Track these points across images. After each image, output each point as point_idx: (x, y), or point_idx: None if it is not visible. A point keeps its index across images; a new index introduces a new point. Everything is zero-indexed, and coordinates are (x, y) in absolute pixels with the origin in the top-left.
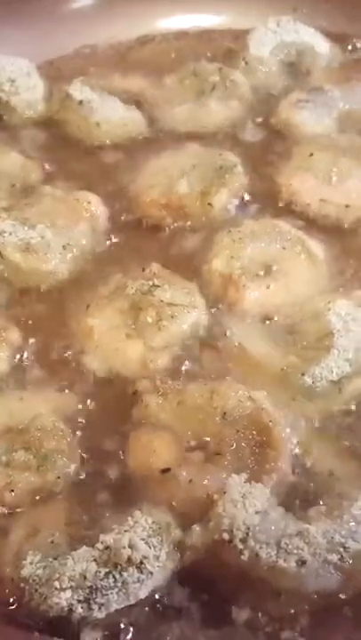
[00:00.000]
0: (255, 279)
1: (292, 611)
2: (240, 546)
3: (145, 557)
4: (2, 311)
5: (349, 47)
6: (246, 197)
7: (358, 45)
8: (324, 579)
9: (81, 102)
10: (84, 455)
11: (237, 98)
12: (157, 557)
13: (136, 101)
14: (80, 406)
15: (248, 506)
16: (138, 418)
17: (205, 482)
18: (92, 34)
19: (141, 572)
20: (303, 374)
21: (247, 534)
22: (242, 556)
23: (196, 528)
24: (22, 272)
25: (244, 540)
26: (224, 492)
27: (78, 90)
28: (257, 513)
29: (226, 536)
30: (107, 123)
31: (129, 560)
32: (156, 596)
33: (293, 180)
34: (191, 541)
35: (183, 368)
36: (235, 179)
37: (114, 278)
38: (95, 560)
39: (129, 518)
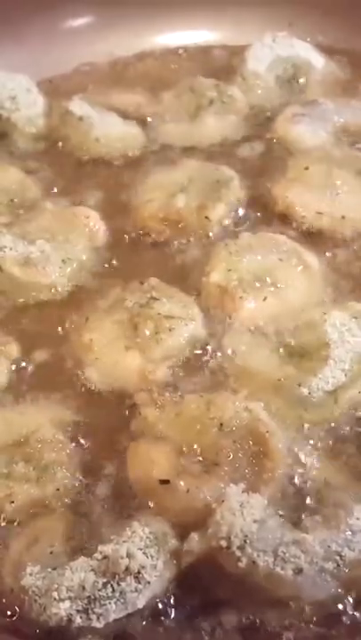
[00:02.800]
0: (252, 291)
1: (290, 618)
2: (238, 553)
3: (142, 567)
4: (1, 325)
5: (345, 62)
6: (243, 211)
7: (353, 59)
8: (320, 587)
9: (81, 118)
10: (83, 466)
11: (234, 113)
12: (155, 567)
13: (134, 117)
14: (79, 418)
15: (246, 514)
16: (136, 429)
17: (203, 492)
18: (91, 51)
19: (139, 582)
20: (300, 385)
21: (245, 542)
22: (239, 564)
23: (195, 535)
24: (22, 286)
25: (241, 548)
26: (222, 501)
27: (78, 106)
28: (255, 521)
29: (224, 543)
30: (106, 138)
31: (127, 570)
32: (154, 605)
33: (289, 192)
34: (189, 548)
35: (181, 379)
36: (231, 192)
37: (112, 292)
38: (93, 570)
39: (127, 529)
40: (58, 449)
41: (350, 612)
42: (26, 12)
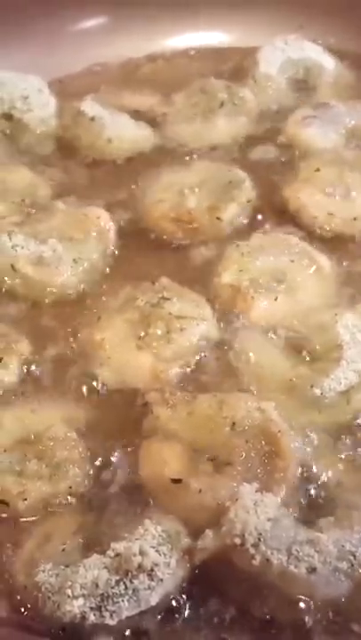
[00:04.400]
0: (264, 291)
1: (303, 617)
2: (252, 550)
3: (155, 564)
4: (13, 323)
5: (356, 64)
6: (254, 211)
7: None
8: (334, 586)
9: (93, 119)
10: (95, 464)
11: (245, 115)
12: (168, 565)
13: (145, 118)
14: (92, 416)
15: (260, 513)
16: (149, 428)
17: (216, 491)
18: (102, 52)
19: (152, 580)
20: (312, 385)
21: (259, 539)
22: (253, 561)
23: (209, 532)
24: (34, 285)
25: (255, 545)
26: (236, 500)
27: (90, 106)
28: (269, 520)
29: (238, 540)
30: (118, 139)
31: (140, 567)
32: (167, 603)
33: (301, 194)
34: (203, 545)
35: (193, 379)
36: (243, 193)
37: (124, 291)
38: (106, 567)
39: (139, 527)
40: (70, 447)
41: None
42: (37, 13)
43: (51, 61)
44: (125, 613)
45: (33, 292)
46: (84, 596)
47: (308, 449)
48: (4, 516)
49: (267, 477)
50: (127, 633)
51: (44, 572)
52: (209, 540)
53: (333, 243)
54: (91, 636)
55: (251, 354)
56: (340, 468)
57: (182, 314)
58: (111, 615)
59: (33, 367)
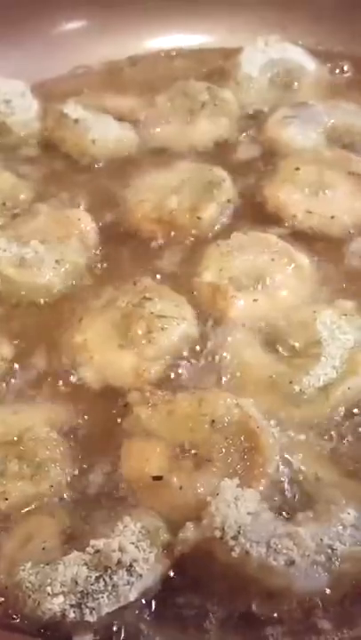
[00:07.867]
0: (243, 290)
1: (282, 610)
2: (231, 543)
3: (135, 560)
4: None
5: (336, 65)
6: (235, 211)
7: (344, 63)
8: (312, 579)
9: (76, 121)
10: (76, 464)
11: (226, 115)
12: (147, 560)
13: (128, 120)
14: (73, 416)
15: (240, 507)
16: (130, 428)
17: (196, 488)
18: (85, 54)
19: (131, 575)
20: (291, 382)
21: (238, 532)
22: (232, 553)
23: (190, 525)
24: (16, 286)
25: (235, 538)
26: (217, 494)
27: (73, 109)
28: (249, 514)
29: (217, 533)
30: (102, 140)
31: (119, 563)
32: (146, 598)
33: (280, 192)
34: (184, 536)
35: (174, 378)
36: (223, 193)
37: (106, 292)
38: (86, 564)
39: (119, 523)
40: (51, 447)
41: (339, 605)
42: (19, 15)
43: (33, 65)
44: (105, 609)
45: (15, 294)
46: (63, 593)
47: (288, 445)
48: None
49: (246, 473)
50: (107, 629)
51: (24, 570)
52: (190, 532)
53: (312, 241)
54: (71, 634)
55: (231, 352)
56: (319, 463)
57: (163, 313)
58: (91, 612)
59: (14, 368)
